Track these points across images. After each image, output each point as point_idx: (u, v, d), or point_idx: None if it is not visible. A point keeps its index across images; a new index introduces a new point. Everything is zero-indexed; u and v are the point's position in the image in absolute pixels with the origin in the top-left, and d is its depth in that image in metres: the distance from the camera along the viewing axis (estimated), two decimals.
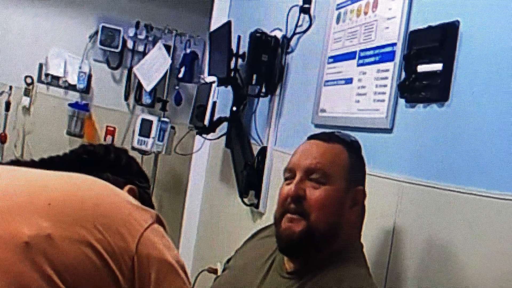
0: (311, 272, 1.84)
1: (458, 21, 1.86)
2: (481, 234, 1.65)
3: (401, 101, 2.10)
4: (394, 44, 2.17)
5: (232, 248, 2.33)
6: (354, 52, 2.45)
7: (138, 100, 6.39)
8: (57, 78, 6.38)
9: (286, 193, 1.85)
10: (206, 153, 4.72)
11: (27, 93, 6.37)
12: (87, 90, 6.36)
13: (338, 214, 1.84)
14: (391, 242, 2.04)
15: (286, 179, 1.91)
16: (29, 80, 6.34)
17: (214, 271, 3.72)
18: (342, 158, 1.87)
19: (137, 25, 6.24)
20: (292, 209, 1.83)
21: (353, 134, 1.98)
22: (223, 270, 2.28)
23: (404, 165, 2.06)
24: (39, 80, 6.41)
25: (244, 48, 3.57)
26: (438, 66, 1.89)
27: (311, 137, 1.97)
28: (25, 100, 6.38)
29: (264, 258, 2.03)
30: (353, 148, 1.93)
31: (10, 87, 6.36)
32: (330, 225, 1.82)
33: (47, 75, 6.38)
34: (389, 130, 2.16)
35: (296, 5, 3.10)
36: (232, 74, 3.66)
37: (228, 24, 3.66)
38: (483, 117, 1.71)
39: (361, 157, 1.95)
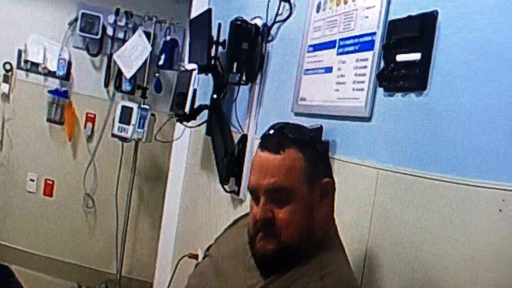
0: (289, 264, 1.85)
1: (436, 11, 1.88)
2: (459, 221, 1.68)
3: (380, 90, 2.12)
4: (373, 34, 2.19)
5: (213, 234, 2.34)
6: (334, 41, 2.47)
7: (118, 87, 6.33)
8: (37, 64, 6.29)
9: (254, 217, 1.85)
10: (187, 140, 4.73)
11: (6, 80, 6.30)
12: (67, 77, 6.29)
13: (309, 220, 1.84)
14: (369, 228, 2.07)
15: (252, 198, 1.91)
16: (8, 67, 6.28)
17: (195, 257, 3.74)
18: (298, 165, 1.83)
19: (117, 12, 6.17)
20: (262, 232, 1.84)
21: (332, 122, 2.01)
22: (204, 258, 2.30)
23: (382, 153, 2.08)
24: (18, 67, 6.31)
25: (224, 36, 3.58)
26: (416, 56, 1.92)
27: (262, 146, 1.90)
28: (4, 87, 6.30)
29: (244, 246, 2.01)
30: (306, 143, 1.89)
31: None
32: (302, 234, 1.83)
33: (26, 61, 6.29)
34: (367, 119, 2.18)
35: None
36: (212, 62, 3.66)
37: (208, 12, 3.67)
38: (460, 106, 1.74)
39: (316, 149, 1.93)
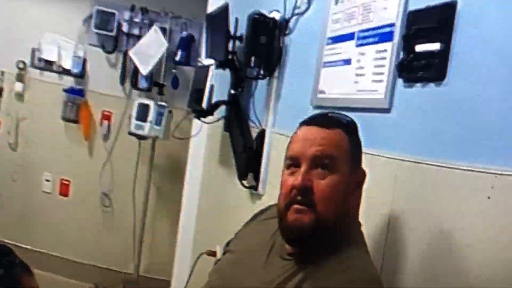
0: (312, 254, 1.84)
1: (455, 1, 1.87)
2: (480, 211, 1.66)
3: (399, 81, 2.11)
4: (392, 25, 2.17)
5: (232, 230, 2.34)
6: (353, 33, 2.46)
7: (134, 85, 6.32)
8: (51, 63, 6.31)
9: (292, 184, 1.82)
10: (205, 136, 4.73)
11: (20, 78, 6.32)
12: (82, 75, 6.30)
13: (344, 201, 1.83)
14: (389, 219, 2.06)
15: (288, 166, 1.88)
16: (21, 65, 6.29)
17: (213, 254, 3.74)
18: (344, 143, 1.85)
19: (132, 8, 6.19)
20: (298, 201, 1.80)
21: (352, 114, 1.99)
22: (224, 253, 2.29)
23: (402, 144, 2.07)
24: (32, 65, 6.33)
25: (242, 30, 3.57)
26: (436, 46, 1.90)
27: (308, 123, 1.92)
28: (18, 86, 6.33)
29: (265, 240, 2.03)
30: (351, 130, 1.91)
31: (2, 73, 6.33)
32: (337, 213, 1.81)
33: (40, 60, 6.32)
34: (387, 110, 2.17)
35: None
36: (230, 57, 3.66)
37: (225, 6, 3.66)
38: (479, 95, 1.73)
39: (358, 137, 1.94)
